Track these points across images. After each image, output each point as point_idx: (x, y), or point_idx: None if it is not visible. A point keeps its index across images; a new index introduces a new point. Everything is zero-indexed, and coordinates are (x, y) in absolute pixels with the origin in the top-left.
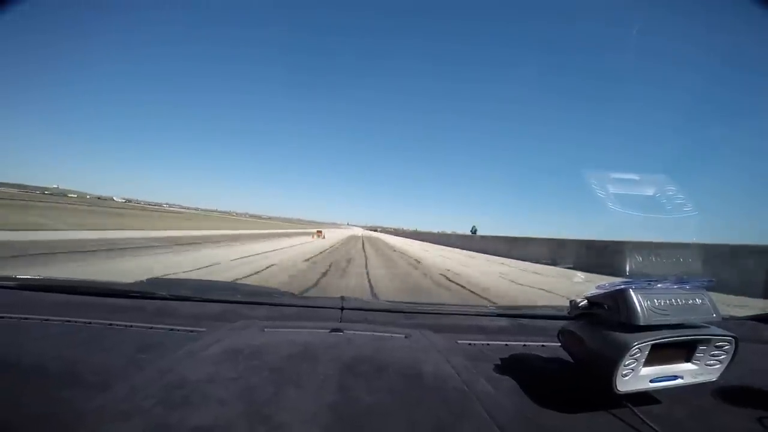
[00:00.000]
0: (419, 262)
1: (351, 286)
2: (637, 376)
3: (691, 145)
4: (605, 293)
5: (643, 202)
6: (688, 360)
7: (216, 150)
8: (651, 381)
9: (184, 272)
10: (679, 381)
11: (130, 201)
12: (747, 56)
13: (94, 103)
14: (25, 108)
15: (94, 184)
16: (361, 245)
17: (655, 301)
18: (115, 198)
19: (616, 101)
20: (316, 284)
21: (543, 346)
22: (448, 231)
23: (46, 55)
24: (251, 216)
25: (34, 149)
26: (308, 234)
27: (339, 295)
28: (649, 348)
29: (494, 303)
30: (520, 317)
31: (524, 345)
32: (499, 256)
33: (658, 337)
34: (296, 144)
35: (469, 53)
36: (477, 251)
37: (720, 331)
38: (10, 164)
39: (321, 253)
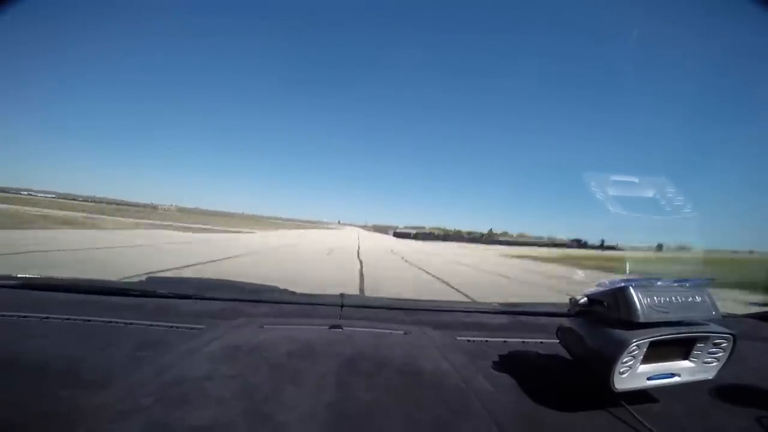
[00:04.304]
0: None
1: None
2: (635, 373)
3: (690, 147)
4: (605, 291)
5: (641, 203)
6: (685, 357)
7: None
8: (648, 378)
9: None
10: (676, 379)
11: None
12: (746, 58)
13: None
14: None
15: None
16: None
17: (655, 298)
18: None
19: (617, 104)
20: None
21: (542, 343)
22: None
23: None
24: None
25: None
26: None
27: (339, 293)
28: (647, 345)
29: (494, 301)
30: (519, 314)
31: (523, 342)
32: None
33: (656, 334)
34: (273, 127)
35: (470, 57)
36: None
37: (718, 328)
38: None
39: None
